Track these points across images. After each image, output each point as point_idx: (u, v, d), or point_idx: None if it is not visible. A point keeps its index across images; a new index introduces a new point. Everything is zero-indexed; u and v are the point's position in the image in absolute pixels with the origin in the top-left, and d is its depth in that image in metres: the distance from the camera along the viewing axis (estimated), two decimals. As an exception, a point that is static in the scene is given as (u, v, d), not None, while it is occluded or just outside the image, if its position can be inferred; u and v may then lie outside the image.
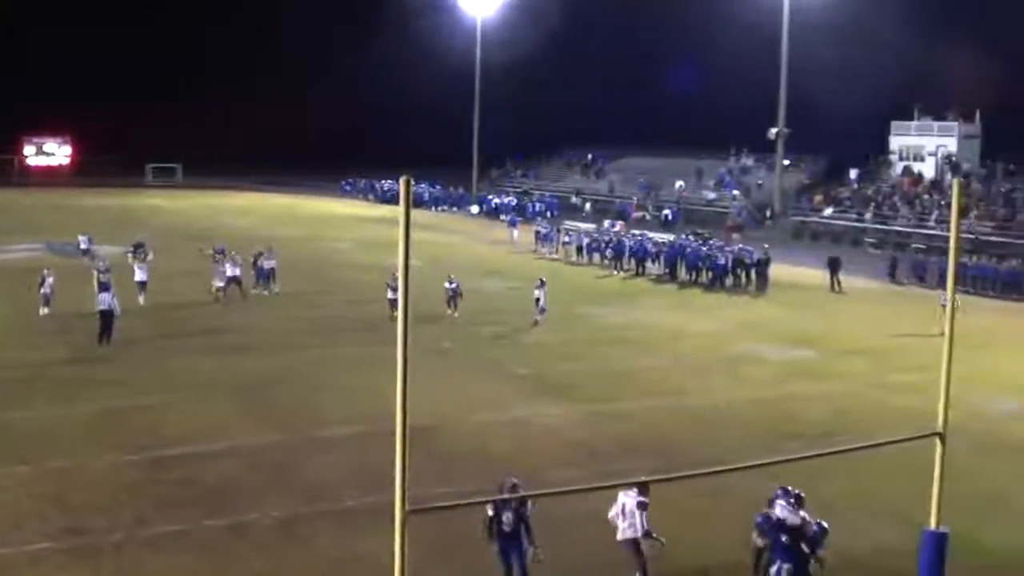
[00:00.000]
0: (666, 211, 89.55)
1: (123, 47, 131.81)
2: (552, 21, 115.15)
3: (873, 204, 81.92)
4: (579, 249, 65.10)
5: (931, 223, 74.90)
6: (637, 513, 18.40)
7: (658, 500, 18.67)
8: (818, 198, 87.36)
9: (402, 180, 12.83)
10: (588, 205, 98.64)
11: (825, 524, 17.74)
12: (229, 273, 46.23)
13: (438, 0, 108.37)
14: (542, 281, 44.18)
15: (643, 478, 18.70)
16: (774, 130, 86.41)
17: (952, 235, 17.32)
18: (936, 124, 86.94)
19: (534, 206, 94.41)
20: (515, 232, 75.22)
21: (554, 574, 18.09)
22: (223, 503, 22.28)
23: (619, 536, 18.63)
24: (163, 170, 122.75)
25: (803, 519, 17.58)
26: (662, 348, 40.08)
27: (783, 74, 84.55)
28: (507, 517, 17.47)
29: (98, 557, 19.70)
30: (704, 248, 59.41)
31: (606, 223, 76.03)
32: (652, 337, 42.18)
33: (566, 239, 67.35)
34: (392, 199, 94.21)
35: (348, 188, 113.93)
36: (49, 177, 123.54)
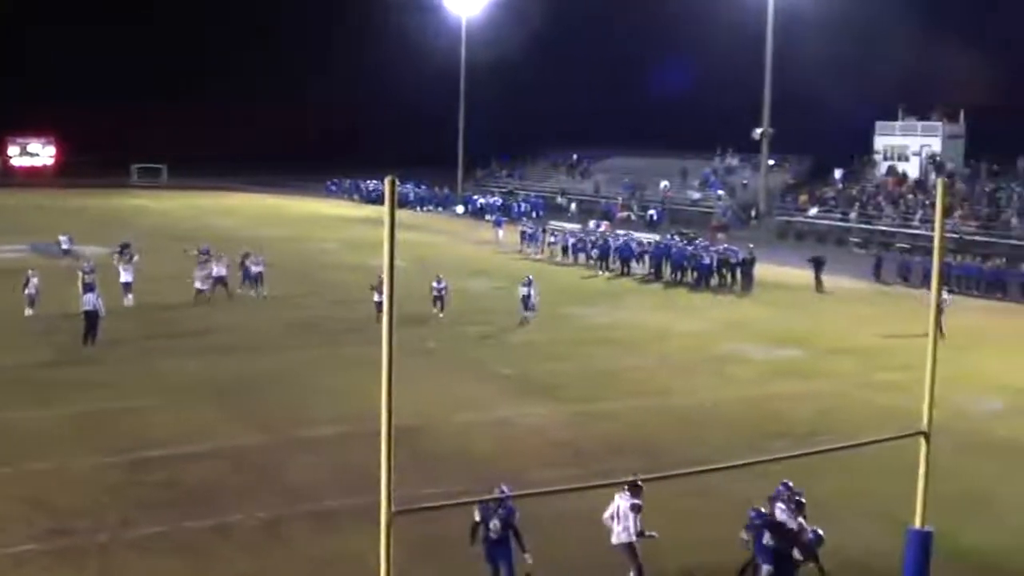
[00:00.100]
0: (651, 211, 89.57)
1: (108, 47, 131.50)
2: (537, 21, 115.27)
3: (858, 204, 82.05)
4: (564, 249, 65.12)
5: (915, 223, 75.05)
6: (630, 516, 18.35)
7: (645, 500, 18.65)
8: (803, 198, 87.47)
9: (387, 180, 12.81)
10: (573, 205, 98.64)
11: (821, 531, 17.76)
12: (215, 273, 46.08)
13: (423, 0, 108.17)
14: (530, 280, 44.20)
15: (632, 477, 18.65)
16: (759, 130, 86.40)
17: (936, 235, 17.35)
18: (920, 124, 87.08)
19: (519, 206, 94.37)
20: (500, 232, 75.25)
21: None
22: (207, 504, 22.23)
23: (613, 540, 18.58)
24: (148, 170, 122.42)
25: (800, 525, 17.59)
26: (647, 348, 40.09)
27: (767, 74, 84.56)
28: (494, 524, 17.40)
29: (83, 559, 19.65)
30: (690, 248, 59.48)
31: (591, 223, 76.05)
32: (637, 337, 42.20)
33: (551, 239, 67.38)
34: (377, 199, 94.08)
35: (333, 188, 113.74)
36: (33, 177, 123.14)
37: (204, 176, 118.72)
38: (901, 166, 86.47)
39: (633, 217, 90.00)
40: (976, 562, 20.46)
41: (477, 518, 17.51)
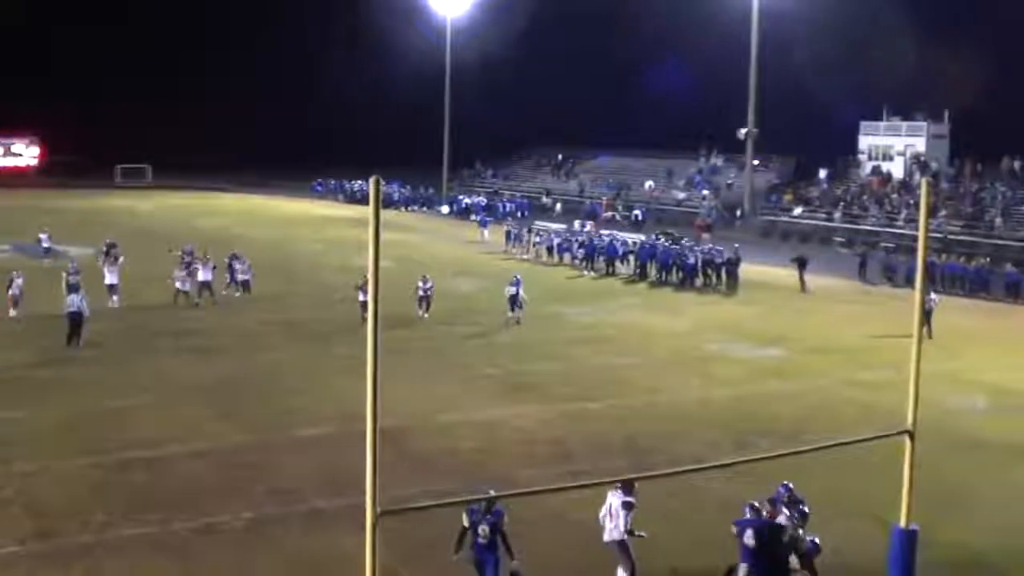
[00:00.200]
0: (636, 211, 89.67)
1: (92, 47, 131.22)
2: (522, 22, 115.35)
3: (842, 204, 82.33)
4: (550, 249, 65.13)
5: (900, 222, 75.32)
6: (622, 513, 18.37)
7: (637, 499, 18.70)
8: (788, 198, 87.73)
9: (371, 180, 12.81)
10: (559, 205, 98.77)
11: (818, 541, 17.78)
12: (201, 278, 45.72)
13: (408, 0, 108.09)
14: (518, 279, 44.20)
15: (624, 477, 18.67)
16: (744, 130, 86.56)
17: (921, 234, 17.39)
18: (905, 124, 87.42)
19: (504, 206, 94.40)
20: (486, 232, 75.33)
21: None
22: (193, 505, 22.17)
23: (605, 537, 18.60)
24: (132, 171, 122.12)
25: (799, 535, 17.60)
26: (633, 347, 40.10)
27: (752, 74, 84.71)
28: (483, 530, 17.35)
29: (67, 560, 19.58)
30: (675, 248, 59.55)
31: (577, 223, 76.07)
32: (623, 337, 42.23)
33: (537, 239, 67.38)
34: (362, 199, 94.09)
35: (319, 188, 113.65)
36: (17, 178, 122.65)
37: (189, 176, 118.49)
38: (886, 166, 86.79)
39: (618, 217, 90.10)
40: (960, 560, 20.50)
41: (466, 523, 17.46)
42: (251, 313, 44.66)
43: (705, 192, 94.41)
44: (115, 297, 44.11)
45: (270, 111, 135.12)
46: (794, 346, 40.92)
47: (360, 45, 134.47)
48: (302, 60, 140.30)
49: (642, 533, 18.55)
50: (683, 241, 63.25)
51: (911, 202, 75.69)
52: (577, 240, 64.33)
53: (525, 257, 65.42)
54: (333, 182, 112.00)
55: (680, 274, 56.84)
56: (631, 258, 60.73)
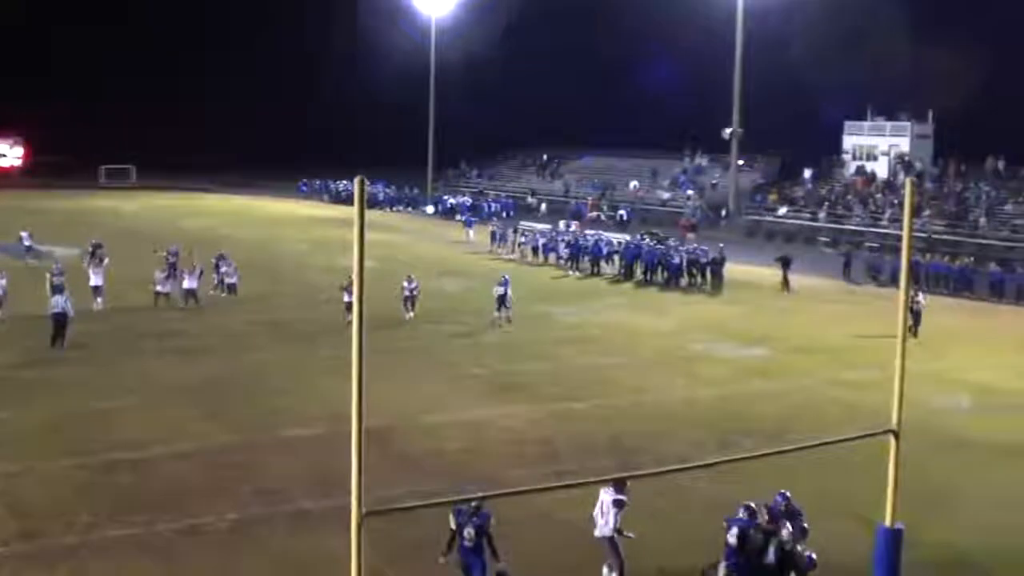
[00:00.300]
0: (621, 211, 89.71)
1: (76, 47, 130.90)
2: (506, 22, 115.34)
3: (827, 203, 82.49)
4: (535, 249, 65.14)
5: (884, 222, 75.50)
6: (612, 511, 18.40)
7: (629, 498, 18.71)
8: (772, 197, 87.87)
9: (356, 181, 12.81)
10: (543, 205, 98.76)
11: (815, 556, 17.80)
12: (187, 285, 45.29)
13: (392, 1, 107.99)
14: (506, 279, 44.22)
15: (611, 476, 18.68)
16: (728, 130, 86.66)
17: (905, 234, 17.43)
18: (889, 124, 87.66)
19: (489, 206, 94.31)
20: (471, 232, 75.35)
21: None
22: (178, 506, 22.13)
23: (596, 533, 18.65)
24: (117, 171, 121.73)
25: (798, 551, 17.63)
26: (619, 347, 40.13)
27: (737, 74, 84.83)
28: (468, 532, 17.34)
29: (52, 561, 19.53)
30: (660, 248, 59.61)
31: (562, 223, 76.06)
32: (609, 336, 42.26)
33: (522, 239, 67.38)
34: (347, 199, 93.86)
35: (305, 189, 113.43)
36: (1, 178, 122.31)
37: (174, 177, 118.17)
38: (870, 166, 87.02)
39: (603, 217, 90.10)
40: (945, 559, 20.55)
41: (453, 526, 17.45)
42: (236, 314, 44.57)
43: (690, 192, 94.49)
44: (99, 299, 43.88)
45: (255, 112, 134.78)
46: (779, 346, 40.99)
47: (344, 45, 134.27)
48: (287, 60, 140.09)
49: (630, 534, 18.58)
50: (668, 241, 63.29)
51: (895, 202, 75.87)
52: (562, 240, 64.34)
53: (510, 257, 65.40)
54: (318, 182, 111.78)
55: (665, 274, 56.93)
56: (616, 258, 60.77)
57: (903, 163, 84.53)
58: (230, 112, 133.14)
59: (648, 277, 57.55)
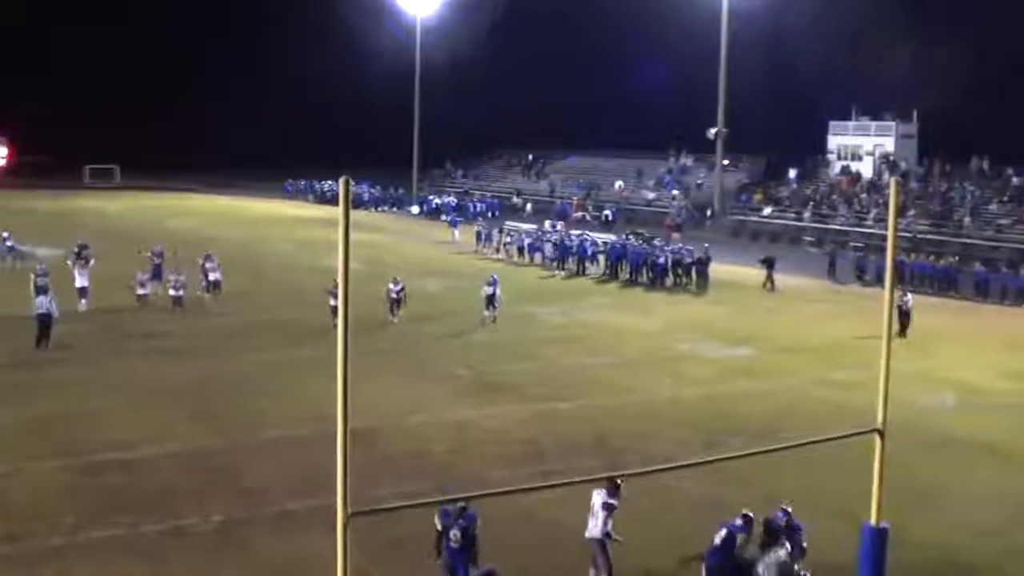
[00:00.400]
0: (606, 211, 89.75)
1: (60, 47, 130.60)
2: (491, 22, 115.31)
3: (812, 203, 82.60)
4: (520, 249, 65.14)
5: (869, 222, 75.65)
6: (601, 514, 18.38)
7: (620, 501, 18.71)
8: (757, 197, 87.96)
9: (341, 181, 12.78)
10: (529, 205, 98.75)
11: (809, 575, 17.82)
12: (172, 294, 44.95)
13: (377, 0, 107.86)
14: (495, 279, 44.33)
15: (596, 476, 18.65)
16: (713, 130, 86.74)
17: (890, 234, 17.45)
18: (874, 124, 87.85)
19: (475, 206, 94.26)
20: (456, 232, 75.33)
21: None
22: (163, 507, 22.08)
23: (586, 534, 18.63)
24: (101, 171, 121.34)
25: (795, 571, 17.64)
26: (605, 347, 40.14)
27: (722, 74, 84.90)
28: (454, 534, 17.31)
29: (37, 563, 19.48)
30: (646, 248, 59.65)
31: (547, 223, 76.05)
32: (595, 336, 42.27)
33: (507, 239, 67.38)
34: (332, 199, 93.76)
35: (290, 189, 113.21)
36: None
37: (159, 177, 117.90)
38: (855, 166, 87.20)
39: (588, 217, 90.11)
40: (931, 558, 20.59)
41: (439, 527, 17.42)
42: (222, 315, 44.46)
43: (675, 192, 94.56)
44: (84, 300, 43.70)
45: (241, 111, 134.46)
46: (764, 345, 41.04)
47: (330, 45, 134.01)
48: (272, 60, 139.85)
49: (619, 538, 18.54)
50: (654, 241, 63.34)
51: (880, 202, 76.02)
52: (548, 240, 64.35)
53: (496, 257, 65.37)
54: (303, 182, 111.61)
55: (650, 274, 56.95)
56: (601, 258, 60.84)
57: (888, 163, 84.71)
58: (216, 112, 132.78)
59: (633, 277, 57.61)
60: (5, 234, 59.19)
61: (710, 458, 22.32)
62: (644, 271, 57.48)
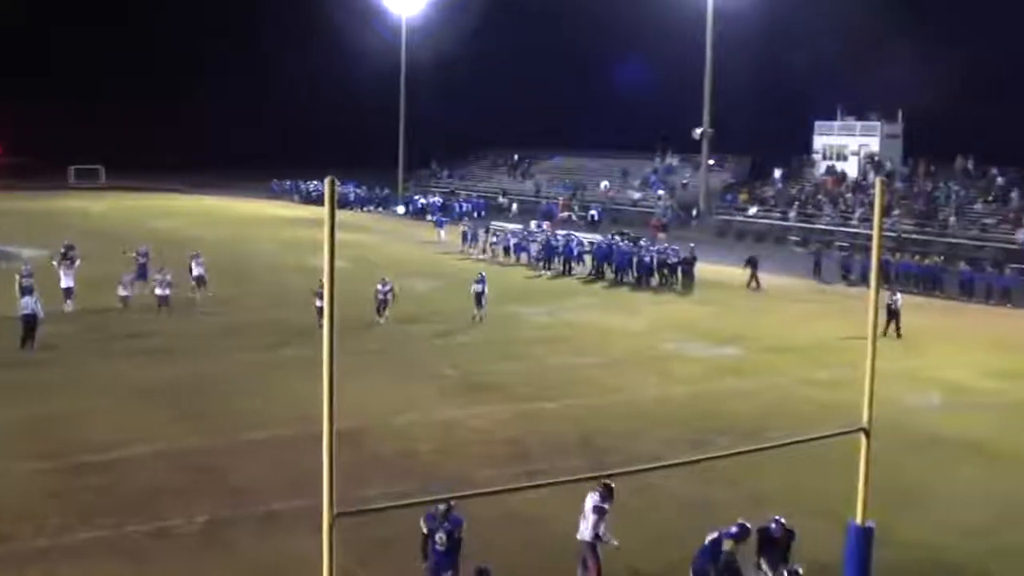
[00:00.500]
0: (592, 211, 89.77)
1: (44, 47, 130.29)
2: (477, 21, 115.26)
3: (797, 203, 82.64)
4: (506, 249, 65.15)
5: (854, 221, 75.74)
6: (591, 517, 18.36)
7: (612, 504, 18.70)
8: (743, 197, 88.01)
9: (327, 181, 12.76)
10: (515, 205, 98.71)
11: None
12: (159, 292, 44.84)
13: (362, 0, 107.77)
14: (482, 277, 44.53)
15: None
16: (699, 130, 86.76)
17: (875, 233, 17.46)
18: (859, 124, 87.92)
19: (460, 206, 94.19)
20: (442, 232, 75.36)
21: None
22: (148, 508, 22.03)
23: (577, 535, 18.61)
24: (86, 171, 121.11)
25: None
26: (591, 347, 40.14)
27: (707, 74, 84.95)
28: (440, 537, 17.24)
29: (22, 565, 19.42)
30: (632, 247, 59.66)
31: (533, 223, 76.06)
32: (581, 336, 42.27)
33: (493, 239, 67.36)
34: (318, 199, 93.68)
35: (276, 189, 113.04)
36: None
37: (144, 177, 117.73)
38: (840, 166, 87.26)
39: (574, 217, 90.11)
40: (917, 557, 20.61)
41: (425, 531, 17.37)
42: (207, 315, 44.41)
43: (660, 192, 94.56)
44: (69, 300, 43.57)
45: (225, 111, 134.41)
46: (751, 345, 41.07)
47: (315, 45, 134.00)
48: (258, 60, 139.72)
49: (613, 542, 18.49)
50: (640, 241, 63.36)
51: (865, 201, 76.06)
52: (534, 240, 64.36)
53: (481, 257, 65.31)
54: (289, 183, 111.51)
55: (636, 274, 56.96)
56: (587, 258, 60.85)
57: (873, 163, 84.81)
58: (201, 113, 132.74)
59: (619, 277, 57.62)
60: None
61: (696, 457, 22.31)
62: (630, 271, 57.48)
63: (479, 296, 43.74)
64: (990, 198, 74.67)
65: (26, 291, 38.97)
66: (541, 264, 61.81)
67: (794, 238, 77.63)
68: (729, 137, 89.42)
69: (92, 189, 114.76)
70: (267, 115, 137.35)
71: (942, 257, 61.16)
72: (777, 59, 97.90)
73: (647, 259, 57.09)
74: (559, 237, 64.44)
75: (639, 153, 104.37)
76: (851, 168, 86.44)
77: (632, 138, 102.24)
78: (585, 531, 18.47)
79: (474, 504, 18.34)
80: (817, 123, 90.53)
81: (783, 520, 18.32)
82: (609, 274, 58.35)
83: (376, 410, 29.32)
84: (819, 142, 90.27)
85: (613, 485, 18.51)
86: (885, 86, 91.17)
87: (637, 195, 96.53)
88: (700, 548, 17.74)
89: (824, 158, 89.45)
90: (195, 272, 47.60)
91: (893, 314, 42.37)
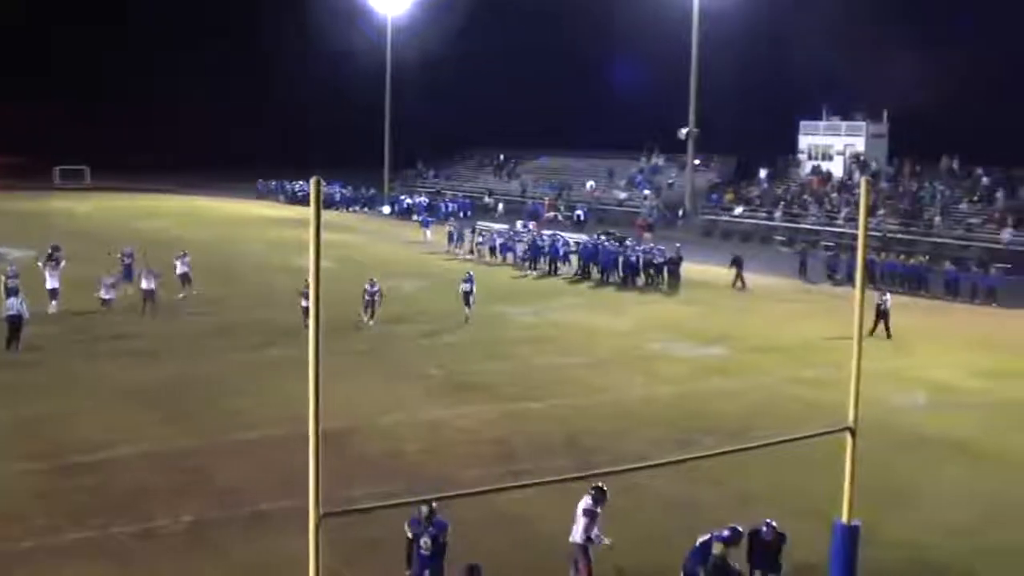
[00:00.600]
0: (578, 211, 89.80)
1: (29, 47, 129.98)
2: (463, 21, 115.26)
3: (782, 203, 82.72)
4: (492, 249, 65.16)
5: (840, 221, 75.86)
6: (581, 520, 18.37)
7: (577, 500, 18.70)
8: (729, 197, 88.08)
9: (312, 181, 12.75)
10: (501, 205, 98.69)
11: None
12: (144, 286, 44.80)
13: (348, 0, 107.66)
14: (470, 276, 44.66)
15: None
16: (684, 130, 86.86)
17: (860, 233, 17.49)
18: (844, 124, 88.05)
19: (446, 206, 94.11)
20: (428, 232, 75.31)
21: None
22: (135, 509, 22.00)
23: (569, 537, 18.62)
24: (71, 172, 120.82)
25: None
26: (577, 347, 40.16)
27: (693, 74, 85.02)
28: (425, 541, 17.20)
29: (9, 566, 19.39)
30: (618, 247, 59.68)
31: (519, 223, 76.06)
32: (567, 336, 42.28)
33: (479, 239, 67.35)
34: (303, 200, 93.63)
35: (262, 189, 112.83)
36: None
37: (129, 178, 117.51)
38: (825, 165, 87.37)
39: (560, 217, 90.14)
40: (901, 556, 20.67)
41: (409, 535, 17.33)
42: (193, 315, 44.34)
43: (646, 192, 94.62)
44: (55, 302, 43.47)
45: (211, 111, 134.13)
46: (736, 344, 41.12)
47: (301, 45, 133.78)
48: (244, 61, 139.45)
49: (605, 540, 18.49)
50: (626, 241, 63.39)
51: (851, 201, 76.20)
52: (520, 240, 64.38)
53: (467, 257, 65.28)
54: (274, 183, 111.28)
55: (622, 274, 56.99)
56: (573, 258, 60.87)
57: (858, 163, 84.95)
58: (186, 113, 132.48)
59: (605, 277, 57.65)
60: None
61: (682, 457, 22.33)
62: (616, 271, 57.50)
63: (467, 295, 43.83)
64: (975, 198, 74.83)
65: (11, 292, 38.83)
66: (527, 264, 61.84)
67: (780, 238, 77.72)
68: (715, 137, 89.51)
69: (77, 190, 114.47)
70: (252, 116, 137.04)
71: (927, 257, 61.27)
72: (762, 59, 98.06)
73: (633, 259, 57.13)
74: (545, 237, 64.44)
75: (625, 153, 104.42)
76: (836, 168, 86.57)
77: (618, 138, 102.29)
78: (576, 533, 18.49)
79: (460, 504, 18.36)
80: (802, 123, 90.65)
81: (774, 523, 18.34)
82: (595, 274, 58.37)
83: (363, 410, 29.31)
84: (804, 142, 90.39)
85: (606, 488, 18.52)
86: (870, 86, 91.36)
87: (623, 195, 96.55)
88: (691, 549, 17.76)
89: (809, 158, 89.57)
90: (179, 270, 47.57)
91: (883, 315, 42.46)
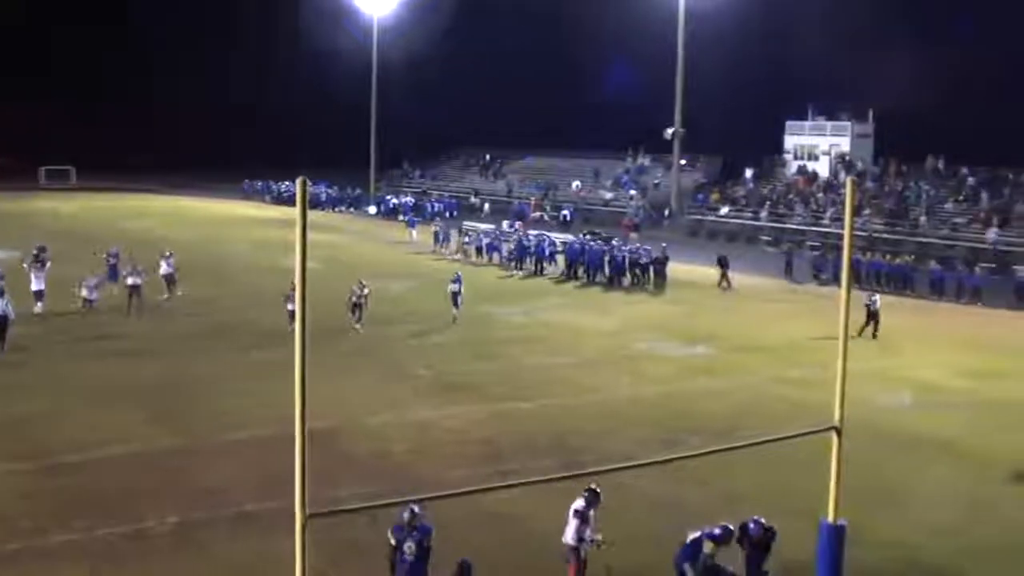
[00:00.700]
0: (564, 211, 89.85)
1: (14, 46, 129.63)
2: (449, 21, 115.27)
3: (768, 203, 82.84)
4: (479, 249, 65.18)
5: (826, 221, 76.03)
6: (572, 522, 18.37)
7: (564, 499, 18.70)
8: (715, 197, 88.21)
9: (298, 181, 12.73)
10: (487, 205, 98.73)
11: None
12: (130, 282, 44.66)
13: (334, 0, 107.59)
14: (458, 276, 44.75)
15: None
16: (670, 130, 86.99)
17: (846, 233, 17.52)
18: (830, 124, 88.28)
19: (432, 206, 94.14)
20: (414, 232, 75.29)
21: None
22: (121, 510, 21.93)
23: (563, 538, 18.62)
24: (56, 172, 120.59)
25: None
26: (563, 347, 40.16)
27: (679, 74, 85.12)
28: (409, 547, 17.03)
29: (-6, 567, 19.38)
30: (604, 247, 59.72)
31: (505, 224, 76.10)
32: (554, 336, 42.29)
33: (465, 239, 67.36)
34: (289, 200, 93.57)
35: (247, 189, 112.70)
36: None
37: (115, 178, 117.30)
38: (811, 165, 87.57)
39: (546, 217, 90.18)
40: (888, 555, 20.70)
41: (393, 542, 17.17)
42: (179, 316, 44.27)
43: (632, 192, 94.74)
44: (40, 302, 43.34)
45: (198, 112, 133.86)
46: (722, 344, 41.16)
47: (287, 45, 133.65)
48: (231, 61, 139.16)
49: (596, 538, 18.47)
50: (612, 241, 63.43)
51: (836, 201, 76.39)
52: (506, 240, 64.39)
53: (454, 257, 65.27)
54: (260, 183, 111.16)
55: (608, 274, 57.02)
56: (560, 258, 60.91)
57: (844, 162, 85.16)
58: (173, 113, 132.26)
59: (591, 277, 57.68)
60: None
61: (668, 457, 22.34)
62: (602, 271, 57.55)
63: (455, 296, 43.83)
64: (961, 198, 75.07)
65: (-3, 293, 38.74)
66: (513, 264, 61.88)
67: (766, 238, 77.86)
68: (700, 137, 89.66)
69: (63, 190, 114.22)
70: (239, 115, 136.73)
71: (913, 256, 61.47)
72: (748, 59, 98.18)
73: (619, 259, 57.20)
74: (531, 237, 64.48)
75: (611, 153, 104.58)
76: (822, 168, 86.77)
77: (604, 138, 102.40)
78: (567, 535, 18.50)
79: (449, 504, 18.36)
80: (788, 123, 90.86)
81: (762, 520, 18.36)
82: (581, 274, 58.39)
83: (350, 411, 29.29)
84: (790, 142, 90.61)
85: (599, 490, 18.52)
86: (856, 86, 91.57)
87: (609, 195, 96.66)
88: (681, 546, 17.77)
89: (795, 158, 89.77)
90: (163, 271, 47.44)
91: (872, 315, 42.53)
